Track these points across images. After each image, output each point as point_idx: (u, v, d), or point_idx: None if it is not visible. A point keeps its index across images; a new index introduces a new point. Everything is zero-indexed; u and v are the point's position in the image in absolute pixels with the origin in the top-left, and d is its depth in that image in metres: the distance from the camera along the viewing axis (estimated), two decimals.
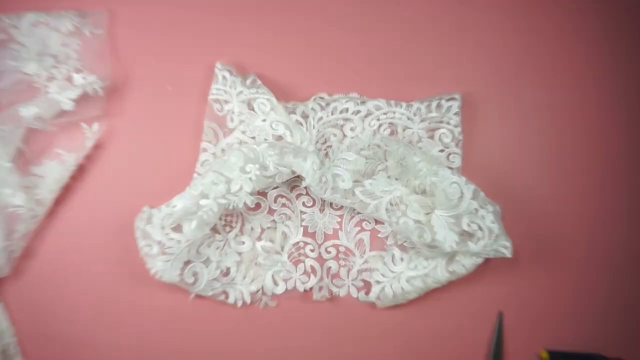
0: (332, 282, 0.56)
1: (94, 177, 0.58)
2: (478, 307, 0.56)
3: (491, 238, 0.50)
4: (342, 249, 0.57)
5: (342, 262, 0.57)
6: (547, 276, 0.57)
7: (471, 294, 0.56)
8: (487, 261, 0.53)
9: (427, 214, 0.51)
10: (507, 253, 0.50)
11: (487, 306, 0.57)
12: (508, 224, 0.52)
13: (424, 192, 0.53)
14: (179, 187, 0.54)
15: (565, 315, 0.56)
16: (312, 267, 0.57)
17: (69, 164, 0.56)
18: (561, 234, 0.58)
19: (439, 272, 0.53)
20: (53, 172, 0.56)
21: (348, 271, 0.57)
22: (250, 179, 0.52)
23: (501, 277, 0.57)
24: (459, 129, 0.59)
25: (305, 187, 0.57)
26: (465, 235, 0.50)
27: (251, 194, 0.52)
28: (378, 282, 0.55)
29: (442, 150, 0.59)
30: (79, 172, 0.58)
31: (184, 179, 0.57)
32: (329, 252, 0.57)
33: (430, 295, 0.55)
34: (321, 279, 0.56)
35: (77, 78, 0.57)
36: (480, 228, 0.50)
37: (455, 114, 0.59)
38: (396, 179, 0.55)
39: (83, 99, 0.57)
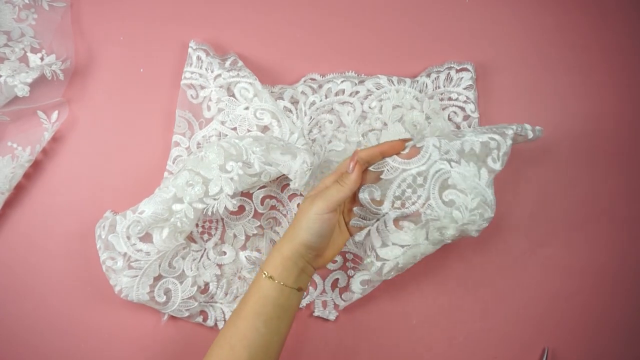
0: (340, 296, 0.54)
1: (51, 175, 0.56)
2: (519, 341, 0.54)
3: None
4: (349, 256, 0.55)
5: (351, 272, 0.54)
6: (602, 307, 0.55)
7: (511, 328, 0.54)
8: (534, 292, 0.54)
9: None
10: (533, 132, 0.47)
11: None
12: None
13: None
14: (147, 189, 0.52)
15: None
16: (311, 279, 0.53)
17: (23, 159, 0.54)
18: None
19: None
20: (4, 169, 0.53)
21: None
22: (231, 179, 0.49)
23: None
24: (472, 106, 0.55)
25: None
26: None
27: (233, 196, 0.50)
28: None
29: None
30: (34, 169, 0.56)
31: (153, 178, 0.55)
32: (333, 261, 0.54)
33: (463, 331, 0.53)
34: (323, 291, 0.54)
35: (34, 59, 0.56)
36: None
37: (467, 87, 0.55)
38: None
39: (40, 83, 0.55)
